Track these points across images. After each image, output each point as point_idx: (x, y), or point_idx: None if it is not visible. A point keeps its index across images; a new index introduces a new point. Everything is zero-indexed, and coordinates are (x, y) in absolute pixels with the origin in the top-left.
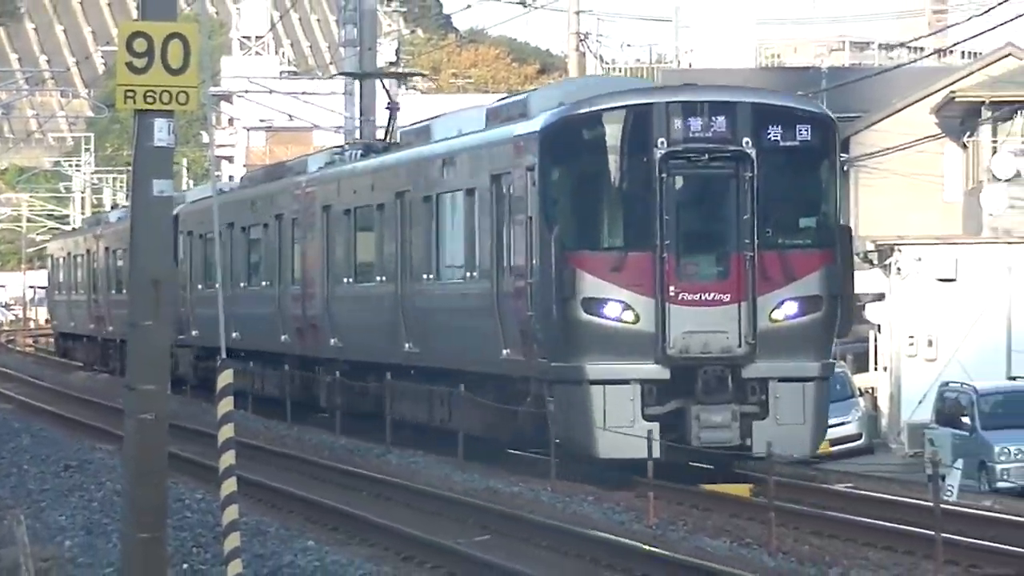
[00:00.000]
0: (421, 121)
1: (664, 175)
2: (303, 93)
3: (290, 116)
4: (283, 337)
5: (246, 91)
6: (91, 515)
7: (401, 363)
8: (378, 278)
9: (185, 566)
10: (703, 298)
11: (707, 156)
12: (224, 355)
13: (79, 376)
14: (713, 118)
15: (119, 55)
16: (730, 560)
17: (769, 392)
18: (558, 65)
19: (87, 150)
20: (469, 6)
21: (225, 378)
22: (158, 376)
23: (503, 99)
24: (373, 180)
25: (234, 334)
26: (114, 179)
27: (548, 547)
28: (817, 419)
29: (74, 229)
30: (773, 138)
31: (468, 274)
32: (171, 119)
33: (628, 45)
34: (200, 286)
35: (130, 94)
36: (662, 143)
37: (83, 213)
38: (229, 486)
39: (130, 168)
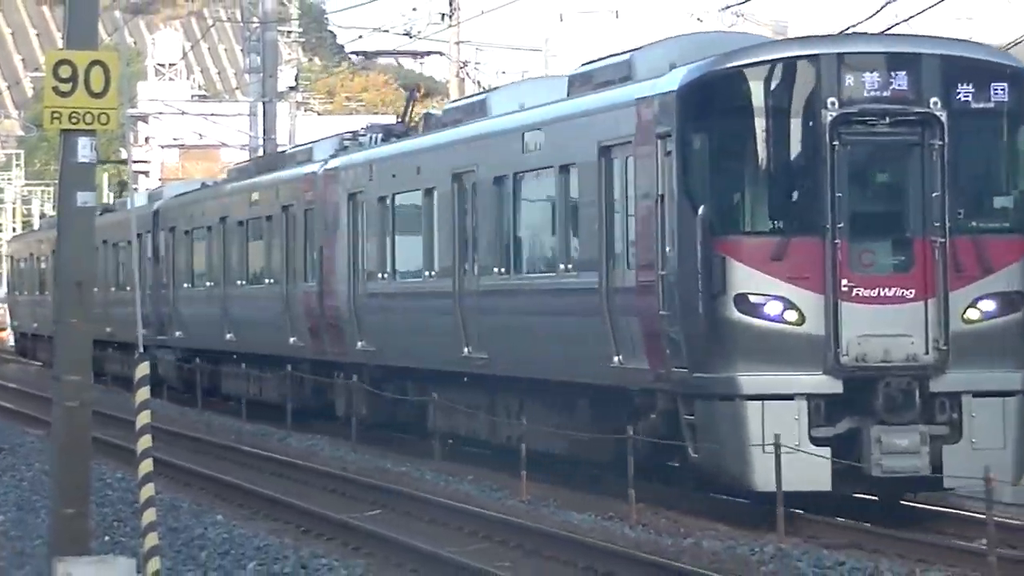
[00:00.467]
0: (469, 96)
1: (835, 143)
2: (212, 115)
3: (200, 135)
4: (291, 339)
5: (160, 113)
6: (22, 493)
7: (458, 370)
8: (426, 273)
9: (107, 538)
10: (883, 294)
11: (887, 120)
12: (141, 350)
13: (11, 368)
14: (894, 73)
15: (46, 80)
16: (593, 532)
17: (963, 409)
18: (440, 90)
19: (18, 165)
20: (361, 38)
21: (142, 370)
22: (82, 368)
23: (587, 64)
24: (419, 162)
25: (228, 335)
26: (42, 191)
27: (431, 520)
28: (1020, 442)
29: (33, 230)
30: (965, 98)
31: (562, 266)
32: (93, 138)
33: (503, 72)
34: (186, 284)
35: (56, 115)
36: (832, 104)
37: (13, 223)
38: (146, 467)
39: (57, 182)
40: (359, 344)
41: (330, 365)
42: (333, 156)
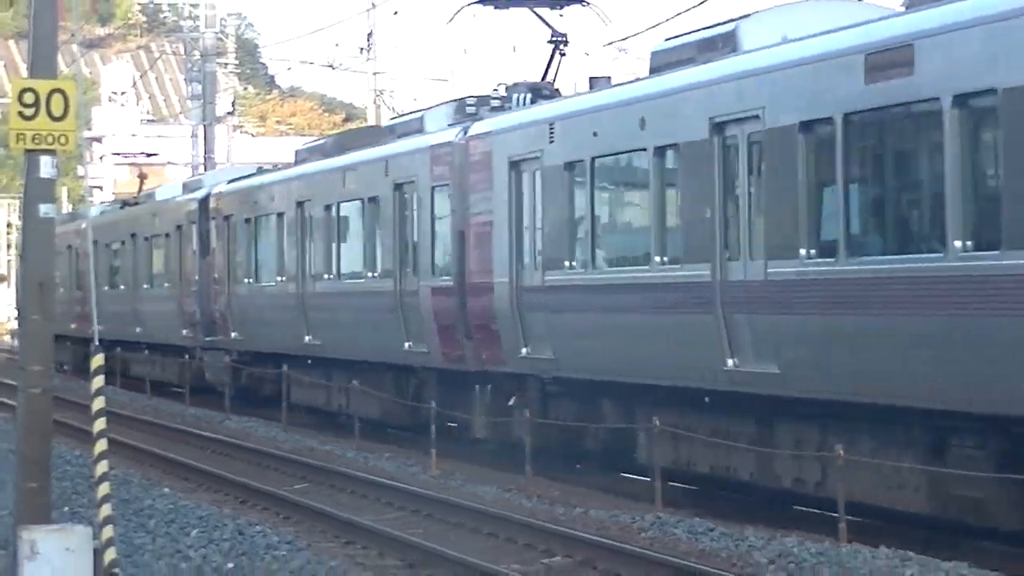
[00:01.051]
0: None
1: None
2: (160, 136)
3: (147, 154)
4: (407, 344)
5: (113, 134)
6: None
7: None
8: (657, 259)
9: (66, 509)
10: None
11: None
12: (96, 342)
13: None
14: None
15: (12, 106)
16: (495, 502)
17: None
18: (359, 115)
19: None
20: (290, 68)
21: (97, 360)
22: (43, 358)
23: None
24: (643, 112)
25: (308, 338)
26: (8, 204)
27: (352, 492)
28: None
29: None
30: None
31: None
32: (54, 156)
33: (415, 99)
34: (248, 280)
35: (21, 136)
36: None
37: None
38: (101, 446)
39: (22, 195)
40: (524, 351)
41: (464, 376)
42: (460, 123)
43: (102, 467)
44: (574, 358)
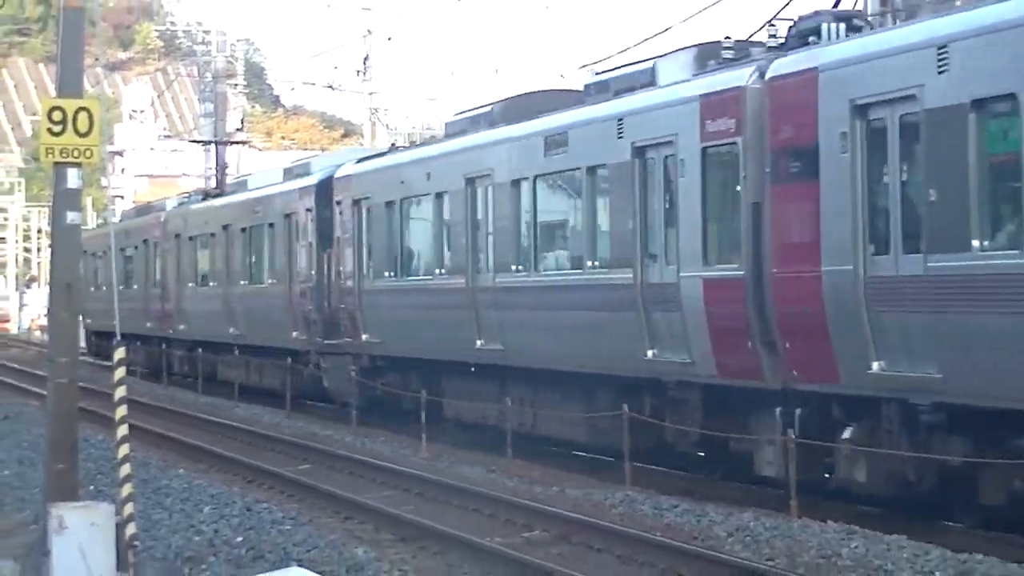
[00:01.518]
0: None
1: None
2: (175, 151)
3: (165, 167)
4: (650, 352)
5: (133, 149)
6: (23, 452)
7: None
8: None
9: (91, 487)
10: None
11: None
12: (119, 336)
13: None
14: None
15: (42, 123)
16: (480, 482)
17: None
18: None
19: (19, 191)
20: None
21: (119, 353)
22: (70, 351)
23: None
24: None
25: (481, 342)
26: (39, 211)
27: (350, 473)
28: None
29: (105, 223)
30: None
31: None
32: (80, 169)
33: (407, 116)
34: (388, 273)
35: (50, 150)
36: None
37: (16, 236)
38: (122, 431)
39: (51, 204)
40: (876, 365)
41: (754, 394)
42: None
43: (123, 450)
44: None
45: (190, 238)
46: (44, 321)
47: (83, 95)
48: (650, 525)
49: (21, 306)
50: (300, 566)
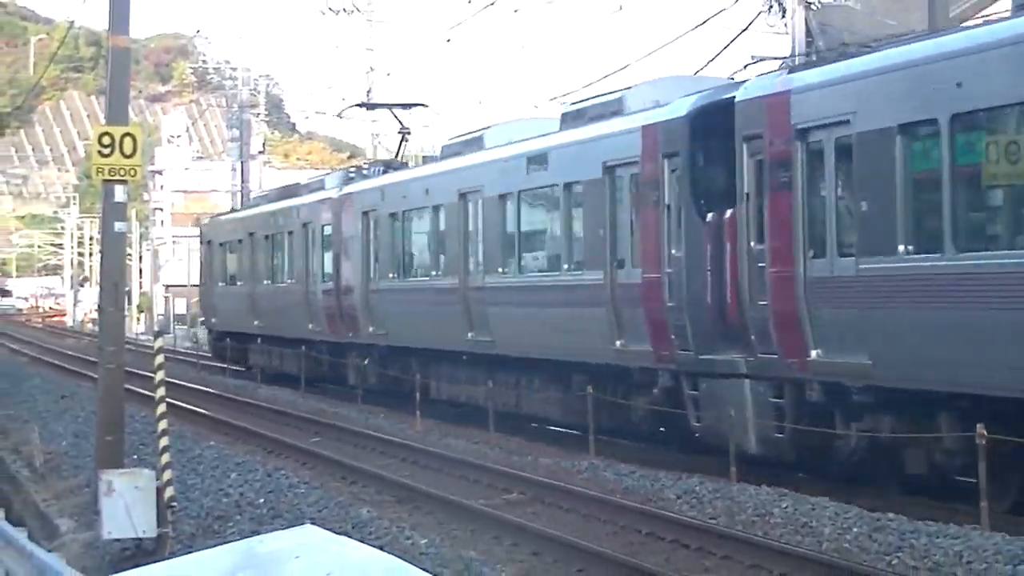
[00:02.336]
0: None
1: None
2: (206, 170)
3: (198, 184)
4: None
5: (171, 168)
6: (78, 426)
7: None
8: None
9: (135, 456)
10: None
11: None
12: (156, 328)
13: (65, 340)
14: None
15: (93, 145)
16: (465, 452)
17: None
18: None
19: (74, 204)
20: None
21: (159, 342)
22: (117, 341)
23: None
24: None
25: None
26: (91, 222)
27: (354, 444)
28: None
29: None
30: None
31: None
32: (125, 185)
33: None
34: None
35: (100, 169)
36: None
37: (71, 243)
38: (161, 408)
39: (101, 215)
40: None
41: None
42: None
43: (162, 424)
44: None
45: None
46: (95, 315)
47: (128, 123)
48: (611, 488)
49: (75, 302)
50: (312, 524)
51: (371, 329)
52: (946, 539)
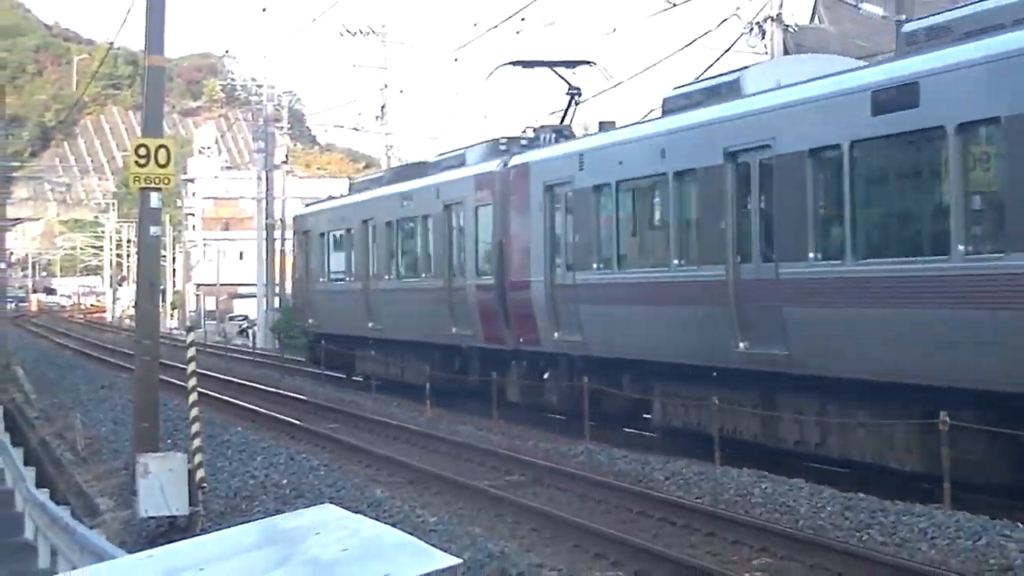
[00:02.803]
0: None
1: None
2: (234, 178)
3: (226, 191)
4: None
5: (201, 177)
6: (117, 413)
7: None
8: None
9: (169, 441)
10: None
11: None
12: (188, 324)
13: (104, 334)
14: None
15: (130, 156)
16: (471, 437)
17: None
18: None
19: (113, 209)
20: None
21: (190, 337)
22: (152, 335)
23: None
24: None
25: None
26: (128, 226)
27: (369, 430)
28: None
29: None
30: None
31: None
32: (160, 192)
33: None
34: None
35: (137, 178)
36: None
37: (110, 245)
38: (193, 397)
39: (137, 220)
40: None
41: None
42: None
43: (194, 412)
44: None
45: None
46: (132, 311)
47: (162, 135)
48: (604, 471)
49: (114, 300)
50: (331, 503)
51: (557, 335)
52: (912, 517)
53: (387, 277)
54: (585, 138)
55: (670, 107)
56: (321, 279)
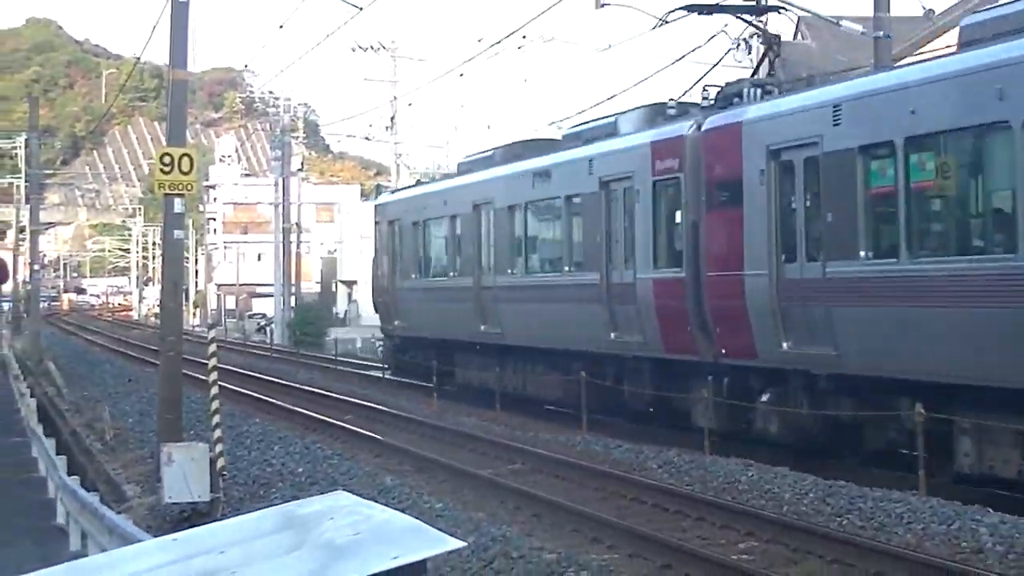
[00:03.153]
0: None
1: None
2: (252, 185)
3: (245, 197)
4: None
5: (222, 184)
6: (143, 405)
7: None
8: None
9: (191, 431)
10: None
11: None
12: (210, 322)
13: (131, 331)
14: None
15: (155, 164)
16: (475, 428)
17: None
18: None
19: (139, 214)
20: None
21: (211, 334)
22: (176, 331)
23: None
24: None
25: None
26: (153, 229)
27: (380, 421)
28: None
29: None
30: None
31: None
32: (183, 198)
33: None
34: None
35: (162, 185)
36: None
37: (136, 247)
38: (214, 390)
39: (162, 224)
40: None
41: None
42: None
43: (215, 404)
44: None
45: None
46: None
47: (185, 145)
48: (601, 459)
49: (140, 299)
50: (344, 490)
51: (787, 344)
52: (889, 503)
53: (510, 272)
54: (835, 86)
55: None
56: (413, 275)
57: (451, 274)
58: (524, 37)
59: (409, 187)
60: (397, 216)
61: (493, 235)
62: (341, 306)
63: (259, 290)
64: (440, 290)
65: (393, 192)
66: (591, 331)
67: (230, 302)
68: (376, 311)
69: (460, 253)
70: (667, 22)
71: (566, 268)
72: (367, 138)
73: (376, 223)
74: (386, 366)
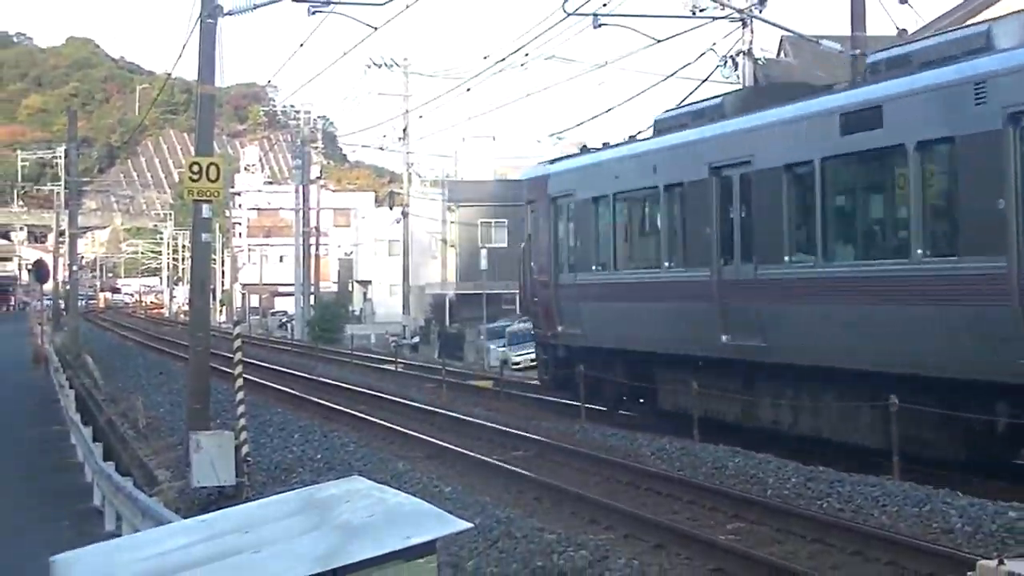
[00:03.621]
0: None
1: None
2: (275, 191)
3: (268, 203)
4: None
5: (246, 191)
6: (174, 397)
7: None
8: None
9: (218, 420)
10: None
11: None
12: (236, 318)
13: (162, 328)
14: None
15: (185, 172)
16: (482, 418)
17: None
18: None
19: (170, 219)
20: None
21: (237, 330)
22: (204, 328)
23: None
24: None
25: None
26: (183, 233)
27: (394, 412)
28: None
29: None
30: None
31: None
32: (210, 204)
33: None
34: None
35: (190, 192)
36: None
37: (167, 250)
38: (239, 383)
39: (191, 228)
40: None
41: None
42: None
43: (240, 395)
44: None
45: None
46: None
47: (213, 154)
48: (598, 447)
49: (171, 298)
50: (359, 475)
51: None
52: (866, 487)
53: (787, 259)
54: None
55: None
56: (594, 267)
57: (667, 264)
58: (526, 55)
59: (578, 154)
60: (565, 190)
61: (754, 207)
62: (357, 304)
63: (281, 289)
64: (642, 286)
65: (553, 162)
66: (957, 348)
67: (254, 300)
68: (526, 314)
69: (685, 236)
70: (659, 41)
71: (918, 251)
72: (381, 148)
73: (529, 203)
74: (540, 381)
